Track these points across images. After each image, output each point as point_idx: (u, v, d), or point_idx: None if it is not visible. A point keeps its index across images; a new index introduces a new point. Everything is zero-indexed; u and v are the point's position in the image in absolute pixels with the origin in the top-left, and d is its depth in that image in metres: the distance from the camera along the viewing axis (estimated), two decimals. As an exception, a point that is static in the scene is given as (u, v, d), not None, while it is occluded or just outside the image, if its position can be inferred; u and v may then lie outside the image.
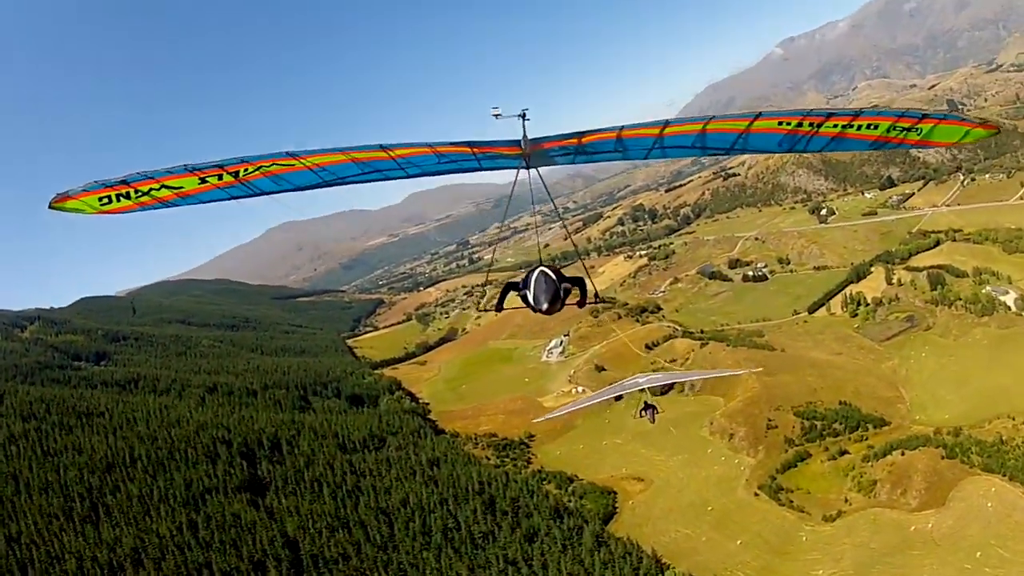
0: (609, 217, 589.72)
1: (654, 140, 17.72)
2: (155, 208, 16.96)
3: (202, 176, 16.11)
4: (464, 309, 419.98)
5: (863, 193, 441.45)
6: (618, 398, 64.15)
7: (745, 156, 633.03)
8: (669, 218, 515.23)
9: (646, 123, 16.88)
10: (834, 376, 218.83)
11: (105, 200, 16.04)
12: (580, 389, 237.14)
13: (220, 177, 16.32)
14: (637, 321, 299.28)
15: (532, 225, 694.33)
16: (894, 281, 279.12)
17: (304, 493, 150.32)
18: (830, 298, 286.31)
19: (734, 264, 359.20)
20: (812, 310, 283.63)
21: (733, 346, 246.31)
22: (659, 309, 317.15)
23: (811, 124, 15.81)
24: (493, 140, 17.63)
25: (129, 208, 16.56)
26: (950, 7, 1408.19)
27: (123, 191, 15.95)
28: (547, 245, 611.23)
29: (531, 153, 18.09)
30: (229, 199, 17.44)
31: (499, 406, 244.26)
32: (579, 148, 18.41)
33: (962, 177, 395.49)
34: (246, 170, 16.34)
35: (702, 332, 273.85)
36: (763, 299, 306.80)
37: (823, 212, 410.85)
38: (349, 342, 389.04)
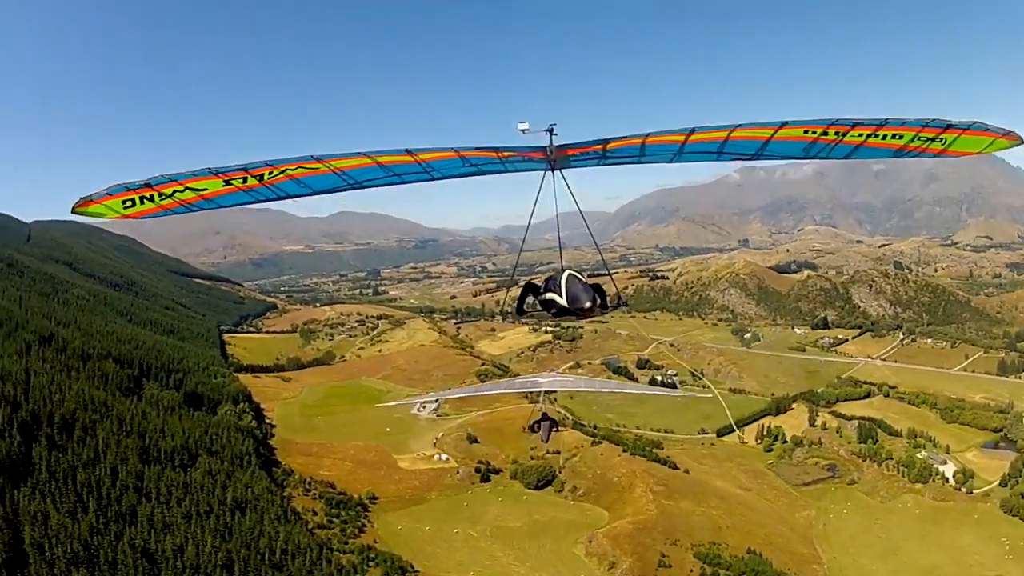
0: (543, 319, 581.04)
1: (679, 146, 17.75)
2: (178, 211, 17.57)
3: (226, 179, 16.27)
4: (351, 336, 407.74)
5: (793, 327, 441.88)
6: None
7: (677, 263, 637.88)
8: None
9: (672, 130, 16.98)
10: (743, 516, 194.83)
11: (129, 203, 16.26)
12: (444, 458, 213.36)
13: (244, 180, 16.55)
14: (526, 398, 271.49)
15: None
16: (818, 423, 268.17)
17: (67, 497, 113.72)
18: (743, 425, 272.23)
19: (643, 364, 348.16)
20: (722, 433, 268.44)
21: (630, 452, 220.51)
22: (553, 392, 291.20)
23: (837, 132, 16.00)
24: (519, 146, 17.99)
25: (153, 211, 16.91)
26: (918, 178, 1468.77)
27: (147, 194, 16.10)
28: (454, 297, 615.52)
29: (557, 158, 18.60)
30: (253, 202, 18.01)
31: (349, 451, 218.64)
32: (603, 153, 18.78)
33: (902, 336, 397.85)
34: (270, 173, 16.54)
35: (595, 428, 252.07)
36: (667, 409, 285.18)
37: (748, 336, 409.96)
38: (226, 336, 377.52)
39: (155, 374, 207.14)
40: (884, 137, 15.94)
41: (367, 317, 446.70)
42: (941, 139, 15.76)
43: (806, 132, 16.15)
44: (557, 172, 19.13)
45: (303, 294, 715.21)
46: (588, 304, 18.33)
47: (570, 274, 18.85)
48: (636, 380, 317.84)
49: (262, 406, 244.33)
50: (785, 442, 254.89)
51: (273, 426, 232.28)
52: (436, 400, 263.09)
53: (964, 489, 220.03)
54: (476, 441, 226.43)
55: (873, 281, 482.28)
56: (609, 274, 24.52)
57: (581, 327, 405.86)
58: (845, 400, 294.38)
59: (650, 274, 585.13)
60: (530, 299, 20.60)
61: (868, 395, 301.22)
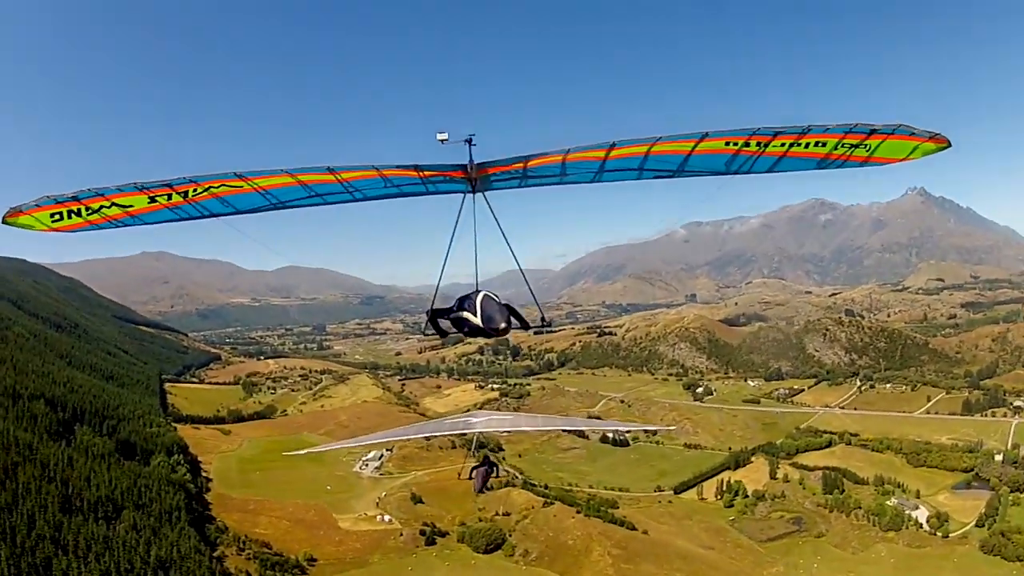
0: (470, 343, 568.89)
1: (600, 163, 17.86)
2: (104, 227, 17.28)
3: (151, 195, 16.36)
4: (294, 391, 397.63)
5: (746, 380, 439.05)
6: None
7: (624, 319, 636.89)
8: (532, 360, 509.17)
9: (592, 145, 17.06)
10: None
11: (57, 216, 16.28)
12: (387, 519, 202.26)
13: (169, 197, 16.57)
14: (472, 456, 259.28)
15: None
16: (779, 476, 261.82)
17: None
18: (701, 481, 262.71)
19: None
20: (679, 490, 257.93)
21: (585, 514, 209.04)
22: (500, 449, 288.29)
23: (758, 144, 15.98)
24: (440, 164, 18.44)
25: (80, 226, 16.81)
26: (866, 226, 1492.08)
27: (74, 208, 16.15)
28: (399, 353, 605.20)
29: (478, 178, 18.92)
30: (178, 220, 17.84)
31: (287, 509, 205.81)
32: (525, 172, 18.96)
33: (859, 383, 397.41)
34: (195, 190, 16.52)
35: (546, 488, 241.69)
36: (621, 466, 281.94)
37: (700, 390, 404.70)
38: (167, 385, 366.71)
39: (89, 419, 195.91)
40: (807, 145, 15.84)
41: (310, 371, 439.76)
42: (865, 145, 15.70)
43: (728, 144, 16.06)
44: (480, 195, 19.44)
45: (248, 346, 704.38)
46: (503, 325, 18.46)
47: (485, 295, 18.94)
48: (586, 437, 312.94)
49: (199, 458, 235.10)
50: (746, 496, 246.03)
51: (209, 479, 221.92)
52: (380, 457, 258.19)
53: (939, 533, 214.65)
54: (421, 501, 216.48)
55: (827, 329, 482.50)
56: (544, 322, 22.68)
57: (528, 384, 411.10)
58: (806, 451, 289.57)
59: (598, 330, 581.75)
60: (444, 321, 20.35)
61: (829, 444, 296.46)
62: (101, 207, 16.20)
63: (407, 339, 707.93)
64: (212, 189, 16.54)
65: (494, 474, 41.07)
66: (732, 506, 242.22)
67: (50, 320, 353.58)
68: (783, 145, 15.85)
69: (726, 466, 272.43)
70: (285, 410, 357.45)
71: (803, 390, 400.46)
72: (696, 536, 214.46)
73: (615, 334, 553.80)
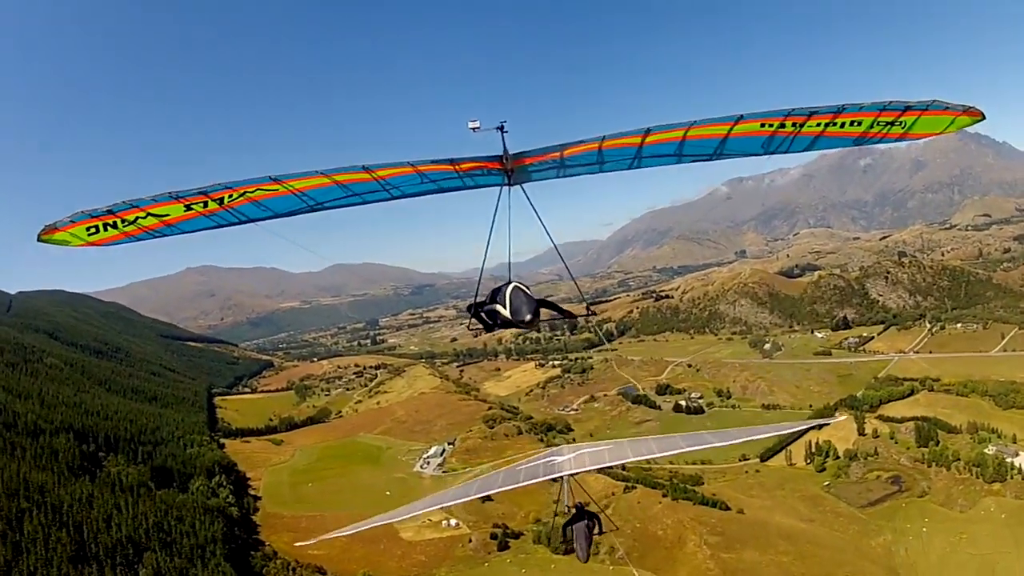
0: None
1: (636, 149, 17.58)
2: (142, 238, 16.98)
3: (187, 203, 16.00)
4: (348, 390, 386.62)
5: (812, 332, 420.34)
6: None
7: (678, 281, 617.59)
8: (590, 332, 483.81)
9: (627, 131, 16.77)
10: (817, 557, 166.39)
11: (93, 230, 15.92)
12: (453, 523, 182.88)
13: (205, 204, 16.25)
14: (541, 440, 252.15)
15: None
16: (868, 431, 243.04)
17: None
18: (787, 444, 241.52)
19: (663, 390, 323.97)
20: (765, 458, 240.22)
21: (671, 496, 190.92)
22: (569, 430, 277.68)
23: (794, 124, 15.77)
24: (475, 156, 17.91)
25: (117, 239, 16.52)
26: (906, 167, 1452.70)
27: (109, 220, 15.83)
28: (455, 339, 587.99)
29: (514, 168, 18.59)
30: (215, 227, 17.47)
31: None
32: (562, 162, 18.63)
33: (929, 325, 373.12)
34: (230, 196, 16.23)
35: (624, 469, 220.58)
36: None
37: (767, 346, 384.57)
38: (218, 400, 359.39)
39: (122, 447, 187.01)
40: (842, 125, 15.61)
41: (365, 368, 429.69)
42: (900, 122, 15.39)
43: (763, 125, 15.82)
44: (516, 187, 19.35)
45: (301, 350, 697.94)
46: (529, 316, 18.01)
47: (515, 286, 18.60)
48: (659, 408, 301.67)
49: (248, 475, 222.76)
50: (838, 458, 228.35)
51: (258, 498, 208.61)
52: (442, 453, 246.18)
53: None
54: (489, 499, 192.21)
55: (888, 272, 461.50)
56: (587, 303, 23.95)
57: (590, 357, 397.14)
58: (889, 401, 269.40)
59: (654, 295, 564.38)
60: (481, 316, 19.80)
61: (912, 392, 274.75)
62: (137, 218, 15.74)
63: (461, 324, 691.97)
64: (248, 194, 16.10)
65: (596, 530, 31.16)
66: (824, 470, 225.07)
67: (89, 347, 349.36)
68: (819, 125, 15.52)
69: (810, 425, 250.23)
70: (340, 411, 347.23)
71: (873, 337, 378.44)
72: (793, 508, 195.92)
73: (672, 297, 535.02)
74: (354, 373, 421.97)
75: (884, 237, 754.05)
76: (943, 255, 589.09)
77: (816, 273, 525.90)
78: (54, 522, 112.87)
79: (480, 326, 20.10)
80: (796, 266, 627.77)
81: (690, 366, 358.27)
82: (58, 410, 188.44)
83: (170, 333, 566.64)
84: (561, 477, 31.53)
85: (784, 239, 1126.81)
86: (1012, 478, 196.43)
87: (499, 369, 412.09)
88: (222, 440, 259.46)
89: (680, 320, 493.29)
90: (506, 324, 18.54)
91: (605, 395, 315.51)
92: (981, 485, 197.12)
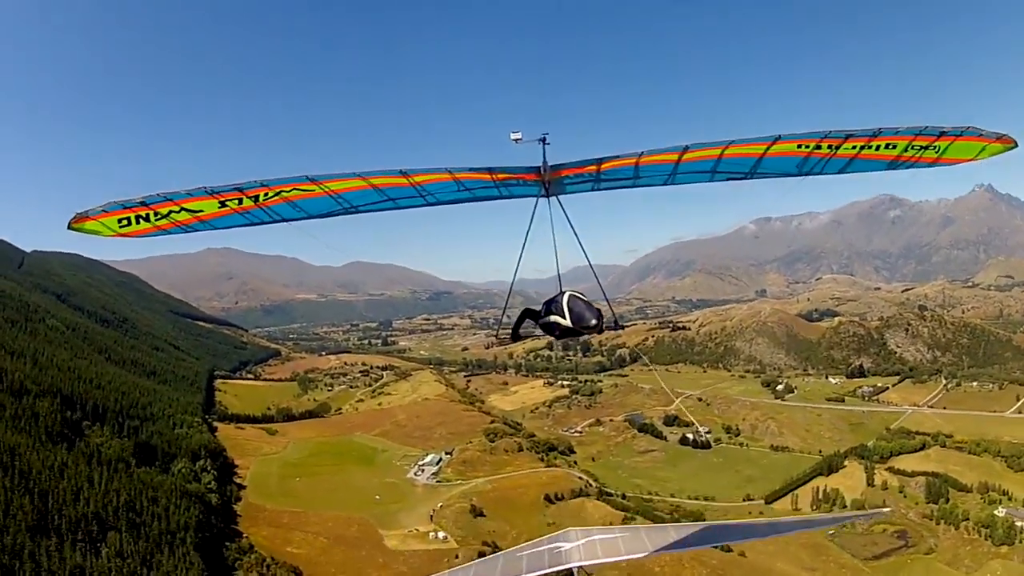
0: (539, 338, 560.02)
1: (673, 165, 17.53)
2: (174, 232, 16.98)
3: (222, 200, 16.04)
4: (352, 387, 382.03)
5: (827, 377, 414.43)
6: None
7: (696, 314, 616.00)
8: (603, 356, 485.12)
9: (665, 148, 16.71)
10: None
11: (124, 222, 15.93)
12: (441, 536, 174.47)
13: (240, 201, 16.28)
14: (541, 460, 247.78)
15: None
16: (876, 482, 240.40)
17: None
18: (794, 488, 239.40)
19: (671, 421, 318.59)
20: (771, 500, 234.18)
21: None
22: (571, 452, 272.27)
23: (830, 146, 15.77)
24: (513, 167, 18.01)
25: (148, 231, 16.49)
26: (935, 222, 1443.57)
27: (142, 213, 15.84)
28: (466, 348, 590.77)
29: (551, 180, 18.57)
30: (248, 225, 17.54)
31: (327, 523, 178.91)
32: (598, 175, 18.64)
33: (944, 380, 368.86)
34: (265, 194, 16.28)
35: (624, 498, 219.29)
36: (704, 471, 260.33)
37: (780, 387, 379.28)
38: (219, 383, 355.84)
39: (110, 418, 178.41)
40: (878, 148, 15.65)
41: (371, 367, 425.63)
42: (935, 147, 15.52)
43: (800, 147, 15.90)
44: (553, 199, 19.35)
45: (311, 342, 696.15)
46: (594, 321, 17.79)
47: (571, 295, 18.43)
48: (664, 438, 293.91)
49: (236, 463, 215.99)
50: (845, 507, 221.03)
51: (243, 488, 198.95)
52: (438, 462, 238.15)
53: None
54: (482, 514, 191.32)
55: (909, 324, 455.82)
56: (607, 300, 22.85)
57: (599, 380, 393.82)
58: (900, 454, 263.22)
59: (671, 325, 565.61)
60: (527, 324, 20.63)
61: (923, 447, 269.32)
62: (170, 212, 15.70)
63: (474, 334, 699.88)
64: (283, 193, 16.13)
65: None
66: None
67: (96, 314, 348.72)
68: (854, 147, 15.56)
69: (818, 472, 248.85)
70: (340, 408, 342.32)
71: (887, 388, 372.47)
72: (795, 556, 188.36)
73: (688, 329, 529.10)
74: (360, 371, 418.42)
75: (906, 290, 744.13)
76: (963, 312, 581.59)
77: (836, 319, 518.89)
78: (19, 488, 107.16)
79: (510, 336, 21.34)
80: (816, 310, 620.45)
81: (700, 399, 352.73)
82: (49, 372, 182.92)
83: (181, 310, 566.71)
84: (570, 571, 29.11)
85: (806, 282, 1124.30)
86: (1021, 542, 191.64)
87: (507, 383, 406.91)
88: (215, 423, 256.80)
89: (695, 352, 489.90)
90: (565, 333, 18.41)
91: (611, 420, 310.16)
92: (989, 547, 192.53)
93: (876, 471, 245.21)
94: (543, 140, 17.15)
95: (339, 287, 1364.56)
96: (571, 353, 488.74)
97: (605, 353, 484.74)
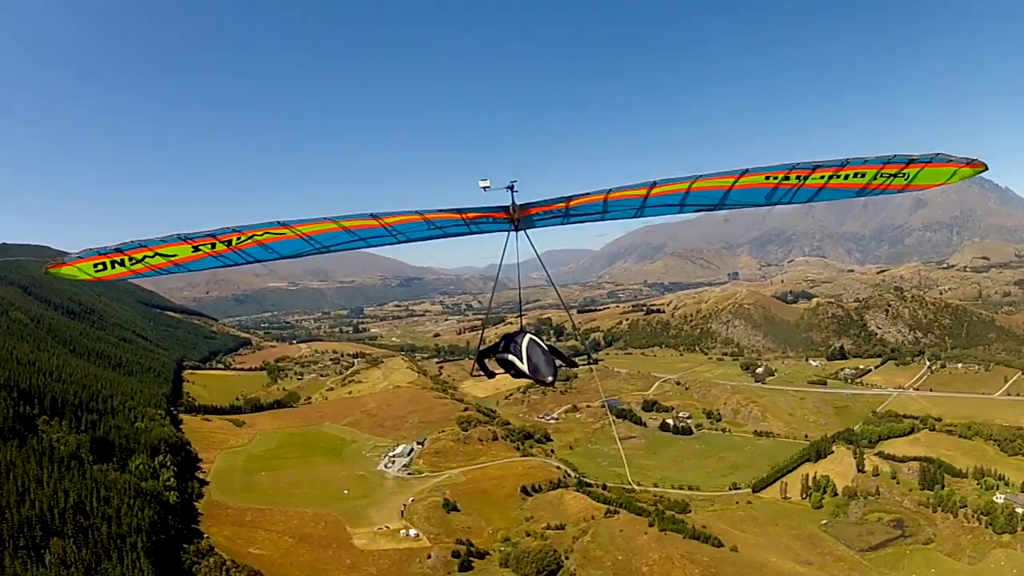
0: (511, 323, 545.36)
1: (642, 200, 17.52)
2: (148, 275, 17.28)
3: (195, 245, 16.14)
4: (322, 376, 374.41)
5: (807, 359, 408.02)
6: None
7: (670, 297, 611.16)
8: (576, 340, 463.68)
9: (633, 184, 16.86)
10: None
11: (100, 267, 16.15)
12: (413, 533, 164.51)
13: (213, 246, 16.39)
14: (517, 449, 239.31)
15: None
16: (867, 468, 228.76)
17: None
18: (781, 476, 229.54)
19: (649, 406, 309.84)
20: (758, 488, 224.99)
21: (659, 526, 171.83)
22: (548, 439, 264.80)
23: (798, 177, 15.85)
24: (482, 207, 17.97)
25: (124, 275, 16.76)
26: (907, 205, 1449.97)
27: (117, 258, 16.01)
28: (438, 335, 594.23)
29: (520, 218, 18.43)
30: (222, 266, 17.57)
31: (292, 521, 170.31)
32: (567, 211, 18.56)
33: (928, 362, 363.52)
34: (238, 239, 16.36)
35: (605, 488, 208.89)
36: (686, 459, 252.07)
37: (760, 371, 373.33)
38: (187, 373, 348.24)
39: (68, 413, 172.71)
40: (847, 177, 15.76)
41: (342, 355, 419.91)
42: (904, 174, 15.58)
43: (768, 178, 15.80)
44: (522, 232, 19.20)
45: (282, 331, 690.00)
46: (550, 378, 17.49)
47: (530, 340, 18.11)
48: (644, 424, 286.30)
49: (200, 457, 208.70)
50: (836, 495, 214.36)
51: (205, 484, 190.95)
52: (410, 453, 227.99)
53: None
54: (456, 509, 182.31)
55: (889, 305, 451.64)
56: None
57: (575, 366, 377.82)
58: (889, 438, 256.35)
59: (644, 308, 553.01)
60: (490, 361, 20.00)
61: (913, 431, 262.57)
62: (145, 257, 15.94)
63: (446, 320, 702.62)
64: (255, 237, 16.32)
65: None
66: (821, 507, 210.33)
67: (63, 306, 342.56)
68: (822, 177, 15.63)
69: (806, 458, 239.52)
70: (309, 397, 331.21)
71: (870, 370, 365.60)
72: (789, 548, 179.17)
73: (663, 311, 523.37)
74: (331, 359, 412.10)
75: (881, 271, 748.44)
76: (941, 293, 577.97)
77: (814, 300, 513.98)
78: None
79: (482, 373, 20.13)
80: (790, 292, 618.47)
81: (679, 383, 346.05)
82: (7, 366, 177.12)
83: (151, 301, 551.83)
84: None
85: (778, 265, 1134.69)
86: (1023, 530, 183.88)
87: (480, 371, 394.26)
88: (181, 416, 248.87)
89: (670, 336, 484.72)
90: (521, 375, 18.03)
91: (588, 406, 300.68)
92: (991, 536, 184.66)
93: (866, 456, 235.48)
94: (511, 187, 16.82)
95: (309, 275, 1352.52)
96: (544, 338, 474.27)
97: (579, 337, 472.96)
